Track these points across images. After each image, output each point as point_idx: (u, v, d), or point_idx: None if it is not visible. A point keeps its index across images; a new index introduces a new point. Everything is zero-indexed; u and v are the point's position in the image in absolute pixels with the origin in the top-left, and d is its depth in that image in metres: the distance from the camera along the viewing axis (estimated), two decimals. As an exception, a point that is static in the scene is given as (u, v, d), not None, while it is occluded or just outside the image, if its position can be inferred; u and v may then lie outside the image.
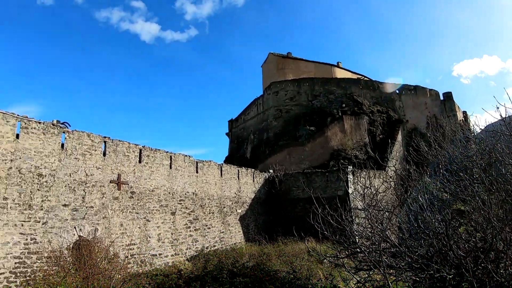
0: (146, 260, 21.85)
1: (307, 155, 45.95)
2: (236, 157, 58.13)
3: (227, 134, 66.42)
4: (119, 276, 15.31)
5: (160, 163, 24.55)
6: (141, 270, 20.26)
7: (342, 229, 11.45)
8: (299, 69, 63.72)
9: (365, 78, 66.36)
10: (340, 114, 51.73)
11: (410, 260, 9.59)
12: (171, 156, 25.45)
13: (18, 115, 17.70)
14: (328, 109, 52.88)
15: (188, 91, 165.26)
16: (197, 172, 27.41)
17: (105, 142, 21.36)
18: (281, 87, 55.93)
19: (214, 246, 26.93)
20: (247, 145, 57.86)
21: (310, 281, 13.02)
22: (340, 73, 66.04)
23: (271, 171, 37.59)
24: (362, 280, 10.81)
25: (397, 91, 58.26)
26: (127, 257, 20.67)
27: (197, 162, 27.65)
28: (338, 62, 69.27)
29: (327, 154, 46.27)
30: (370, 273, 11.13)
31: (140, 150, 23.40)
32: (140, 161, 23.23)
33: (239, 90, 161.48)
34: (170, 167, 25.23)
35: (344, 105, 53.91)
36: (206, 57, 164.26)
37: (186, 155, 26.80)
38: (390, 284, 8.89)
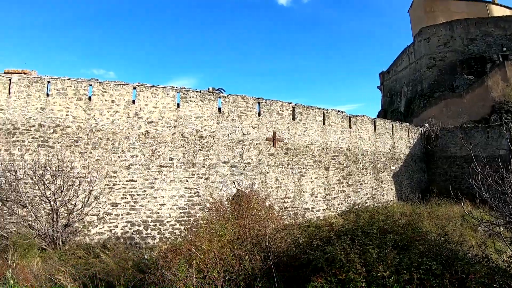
0: (299, 213, 20.27)
1: (465, 108, 37.13)
2: (389, 111, 51.24)
3: (379, 87, 57.65)
4: (273, 225, 14.03)
5: (313, 119, 21.99)
6: (293, 222, 18.71)
7: (502, 193, 9.16)
8: (450, 10, 50.90)
9: (528, 14, 51.75)
10: (501, 59, 41.44)
11: None
12: (323, 112, 22.63)
13: (176, 87, 18.02)
14: (487, 54, 42.74)
15: (333, 48, 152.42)
16: (350, 127, 24.17)
17: (259, 102, 19.90)
18: (432, 33, 45.79)
19: (366, 203, 23.86)
20: (400, 98, 50.25)
21: (461, 247, 10.15)
22: (496, 11, 51.93)
23: (426, 125, 31.89)
24: (517, 254, 8.35)
25: None
26: (281, 209, 19.24)
27: (350, 117, 24.33)
28: (493, -2, 54.81)
29: (487, 107, 36.98)
30: (528, 247, 8.59)
31: (293, 108, 21.19)
32: (293, 119, 21.06)
33: (388, 41, 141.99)
34: (323, 123, 22.50)
35: (505, 48, 42.76)
36: (347, 11, 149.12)
37: (339, 111, 23.69)
38: (547, 264, 7.04)
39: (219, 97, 18.72)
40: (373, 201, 24.70)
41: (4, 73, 16.81)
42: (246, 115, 19.17)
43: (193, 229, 15.65)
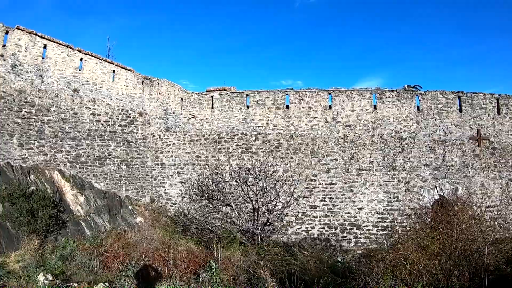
0: (505, 225, 17.17)
1: None
2: None
3: None
4: (480, 238, 12.19)
5: (524, 111, 18.65)
6: (498, 236, 16.05)
7: None
8: None
9: None
10: None
11: None
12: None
13: (371, 88, 17.56)
14: None
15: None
16: None
17: (459, 97, 17.71)
18: None
19: None
20: None
21: None
22: None
23: None
24: None
25: None
26: (486, 219, 16.84)
27: None
28: None
29: None
30: None
31: (497, 100, 18.13)
32: (498, 112, 18.04)
33: None
34: (534, 116, 18.99)
35: None
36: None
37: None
38: None
39: (416, 95, 17.30)
40: None
41: (206, 91, 18.66)
42: (446, 112, 17.21)
43: (395, 236, 14.87)
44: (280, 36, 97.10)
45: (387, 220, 16.31)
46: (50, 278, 9.32)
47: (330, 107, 17.12)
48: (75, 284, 8.78)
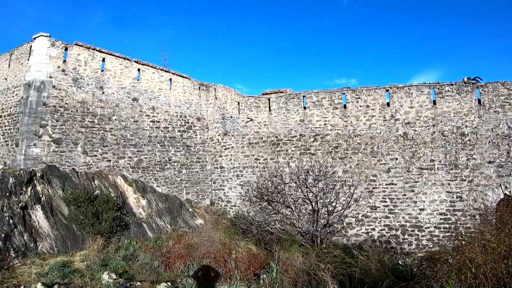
0: None
1: None
2: None
3: None
4: None
5: None
6: None
7: None
8: None
9: None
10: None
11: None
12: None
13: (430, 83, 16.99)
14: None
15: None
16: None
17: None
18: None
19: None
20: None
21: None
22: None
23: None
24: None
25: None
26: None
27: None
28: None
29: None
30: None
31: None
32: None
33: None
34: None
35: None
36: None
37: None
38: None
39: (477, 87, 16.56)
40: None
41: (263, 94, 18.93)
42: (509, 104, 16.35)
43: (459, 238, 14.54)
44: (331, 34, 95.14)
45: (450, 221, 15.78)
46: (114, 277, 9.70)
47: (388, 104, 16.78)
48: (138, 283, 8.91)
